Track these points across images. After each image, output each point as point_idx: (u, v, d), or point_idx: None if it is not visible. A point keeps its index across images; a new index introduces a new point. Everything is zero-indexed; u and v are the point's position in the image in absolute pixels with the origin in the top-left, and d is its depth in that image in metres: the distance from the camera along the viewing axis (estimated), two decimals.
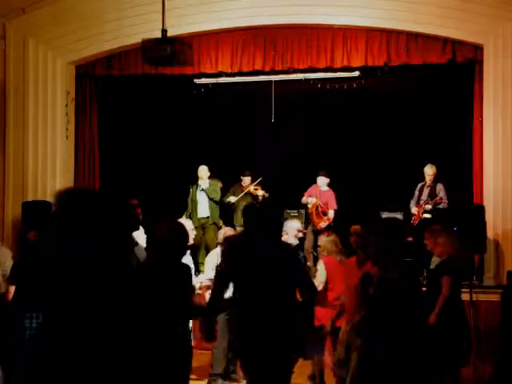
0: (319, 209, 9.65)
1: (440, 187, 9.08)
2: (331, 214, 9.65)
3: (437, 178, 9.16)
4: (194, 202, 9.92)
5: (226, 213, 10.22)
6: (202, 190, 9.87)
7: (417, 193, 9.27)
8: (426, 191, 9.17)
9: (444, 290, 5.40)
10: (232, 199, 10.15)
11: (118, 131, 10.45)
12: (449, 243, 5.67)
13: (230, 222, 9.88)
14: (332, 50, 9.01)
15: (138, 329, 1.57)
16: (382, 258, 3.87)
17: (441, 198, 8.94)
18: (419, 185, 9.30)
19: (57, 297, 1.50)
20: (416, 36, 8.69)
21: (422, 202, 9.13)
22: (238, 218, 9.91)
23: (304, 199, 9.86)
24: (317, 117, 10.82)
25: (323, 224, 9.52)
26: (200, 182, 9.95)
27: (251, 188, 10.18)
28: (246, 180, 10.28)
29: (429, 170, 9.15)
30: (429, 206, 8.96)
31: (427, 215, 8.95)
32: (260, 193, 10.12)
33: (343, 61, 8.99)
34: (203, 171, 9.95)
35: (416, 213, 9.12)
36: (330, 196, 9.74)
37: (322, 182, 9.79)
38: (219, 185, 10.18)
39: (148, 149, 11.07)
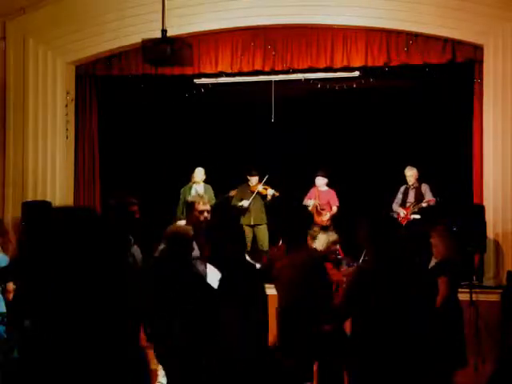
0: (318, 208, 9.67)
1: (425, 187, 9.05)
2: (334, 209, 9.73)
3: (420, 179, 9.12)
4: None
5: None
6: (198, 194, 9.60)
7: (400, 195, 9.22)
8: (411, 193, 9.14)
9: (442, 290, 5.39)
10: (245, 203, 9.85)
11: (118, 131, 10.45)
12: (445, 244, 5.67)
13: None
14: (332, 50, 9.01)
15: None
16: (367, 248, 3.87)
17: (434, 200, 8.89)
18: (402, 187, 9.25)
19: (56, 297, 1.49)
20: (416, 36, 8.69)
21: (408, 204, 9.09)
22: (245, 219, 9.82)
23: (304, 202, 9.87)
24: (317, 117, 10.83)
25: (325, 217, 9.54)
26: (196, 185, 9.76)
27: (260, 188, 9.99)
28: (254, 180, 10.05)
29: (408, 172, 9.14)
30: (425, 205, 8.90)
31: (416, 216, 8.93)
32: (270, 192, 9.95)
33: (343, 61, 8.99)
34: (200, 174, 9.75)
35: (403, 215, 9.08)
36: (330, 195, 9.75)
37: (321, 182, 9.79)
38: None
39: (148, 149, 11.06)
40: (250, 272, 4.15)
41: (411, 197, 9.11)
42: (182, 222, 6.50)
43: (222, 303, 3.81)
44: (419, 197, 9.03)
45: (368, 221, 3.95)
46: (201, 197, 5.48)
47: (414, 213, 8.98)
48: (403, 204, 9.16)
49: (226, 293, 3.86)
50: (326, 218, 9.54)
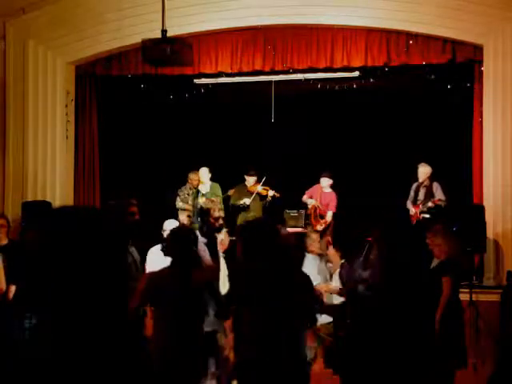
0: (317, 211, 9.59)
1: (436, 186, 8.91)
2: (329, 216, 9.58)
3: (432, 178, 9.07)
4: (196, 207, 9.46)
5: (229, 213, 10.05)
6: (203, 194, 9.51)
7: (412, 193, 9.09)
8: (422, 191, 9.04)
9: (445, 290, 5.37)
10: (247, 201, 9.75)
11: (117, 131, 10.45)
12: (448, 244, 5.66)
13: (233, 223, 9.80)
14: (332, 50, 9.02)
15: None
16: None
17: (439, 200, 8.81)
18: (414, 185, 9.12)
19: (58, 296, 1.50)
20: (416, 36, 8.70)
21: (418, 202, 8.99)
22: (243, 219, 9.78)
23: (304, 198, 9.81)
24: (317, 117, 10.82)
25: (320, 227, 9.46)
26: (200, 186, 9.72)
27: (259, 188, 9.88)
28: (251, 180, 9.96)
29: (420, 168, 9.03)
30: (431, 205, 8.80)
31: (426, 215, 8.84)
32: (271, 193, 9.83)
33: (343, 61, 8.99)
34: (205, 174, 9.68)
35: (413, 213, 8.98)
36: (331, 198, 9.67)
37: (325, 183, 9.72)
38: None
39: (148, 149, 11.06)
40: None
41: (421, 195, 9.00)
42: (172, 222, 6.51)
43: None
44: (429, 195, 8.93)
45: (383, 222, 3.93)
46: (215, 204, 5.54)
47: (424, 212, 8.87)
48: (415, 202, 9.06)
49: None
50: (320, 227, 9.45)
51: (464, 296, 6.78)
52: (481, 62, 8.57)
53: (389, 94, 10.17)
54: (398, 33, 8.77)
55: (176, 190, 10.31)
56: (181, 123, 11.08)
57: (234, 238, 5.16)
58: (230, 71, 9.45)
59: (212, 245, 5.21)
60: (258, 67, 9.29)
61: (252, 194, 9.88)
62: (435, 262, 5.94)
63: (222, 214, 5.37)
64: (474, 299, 7.23)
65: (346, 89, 10.01)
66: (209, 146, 10.87)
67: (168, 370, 4.03)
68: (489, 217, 8.13)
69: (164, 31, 7.38)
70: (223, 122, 11.02)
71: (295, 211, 10.22)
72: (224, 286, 5.50)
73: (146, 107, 10.67)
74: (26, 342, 1.61)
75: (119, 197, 4.95)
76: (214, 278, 4.98)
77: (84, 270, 1.48)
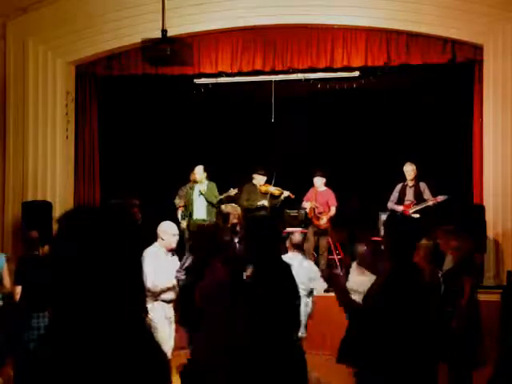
0: (316, 211, 9.52)
1: (424, 186, 8.86)
2: (332, 210, 9.53)
3: (419, 179, 8.98)
4: (191, 203, 9.52)
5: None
6: (200, 193, 9.47)
7: (396, 194, 9.00)
8: (410, 191, 8.93)
9: (466, 290, 5.30)
10: (265, 203, 9.54)
11: (118, 131, 10.45)
12: (463, 243, 5.61)
13: None
14: (332, 50, 9.02)
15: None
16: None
17: (436, 199, 8.75)
18: (399, 186, 9.02)
19: (62, 295, 1.50)
20: (416, 36, 8.71)
21: (408, 202, 8.88)
22: None
23: (303, 204, 9.77)
24: (317, 117, 10.82)
25: (322, 221, 9.38)
26: (199, 185, 9.70)
27: (272, 189, 9.69)
28: (261, 179, 9.75)
29: (408, 167, 8.92)
30: (431, 204, 8.71)
31: (416, 215, 8.78)
32: (285, 194, 9.64)
33: (343, 61, 9.00)
34: (200, 172, 9.60)
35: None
36: (328, 195, 9.64)
37: (319, 182, 9.66)
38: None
39: (148, 149, 11.07)
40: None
41: (410, 195, 8.95)
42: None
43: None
44: (418, 195, 8.90)
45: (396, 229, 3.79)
46: (236, 210, 5.62)
47: (415, 212, 8.82)
48: (400, 202, 8.99)
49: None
50: (323, 222, 9.38)
51: None
52: (481, 62, 8.57)
53: (389, 93, 10.18)
54: (398, 33, 8.77)
55: (177, 190, 10.32)
56: (181, 123, 11.08)
57: None
58: (229, 71, 9.44)
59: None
60: (258, 67, 9.29)
61: (266, 194, 9.73)
62: (448, 262, 5.89)
63: (240, 220, 5.49)
64: None
65: (346, 89, 10.01)
66: (209, 146, 10.87)
67: None
68: (489, 217, 8.13)
69: (164, 31, 7.39)
70: (223, 121, 11.02)
71: (295, 211, 10.20)
72: None
73: (146, 107, 10.67)
74: (36, 342, 1.61)
75: (121, 197, 4.97)
76: None
77: (120, 267, 1.50)
